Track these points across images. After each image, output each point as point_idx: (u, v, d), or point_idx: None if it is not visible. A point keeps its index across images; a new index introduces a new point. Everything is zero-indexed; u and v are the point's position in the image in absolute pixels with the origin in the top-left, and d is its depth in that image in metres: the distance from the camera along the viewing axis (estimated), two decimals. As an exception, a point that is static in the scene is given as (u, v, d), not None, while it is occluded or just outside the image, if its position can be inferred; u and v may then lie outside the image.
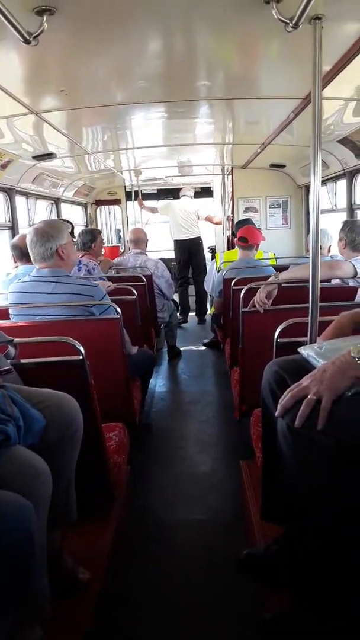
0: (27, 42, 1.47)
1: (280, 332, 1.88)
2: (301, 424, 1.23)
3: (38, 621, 1.30)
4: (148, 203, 7.16)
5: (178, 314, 6.25)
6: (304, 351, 1.48)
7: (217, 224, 6.96)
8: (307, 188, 5.50)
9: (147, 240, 4.87)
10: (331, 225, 4.15)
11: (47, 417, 1.44)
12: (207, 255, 7.04)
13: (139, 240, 4.76)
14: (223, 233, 6.22)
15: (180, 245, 6.68)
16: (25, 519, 1.09)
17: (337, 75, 2.18)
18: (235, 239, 4.09)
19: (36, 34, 1.47)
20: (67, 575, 1.59)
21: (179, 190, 6.91)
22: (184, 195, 6.70)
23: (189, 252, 6.67)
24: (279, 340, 1.87)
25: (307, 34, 1.60)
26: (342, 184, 4.19)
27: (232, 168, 5.83)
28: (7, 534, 1.04)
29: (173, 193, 7.25)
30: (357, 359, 1.25)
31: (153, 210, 6.99)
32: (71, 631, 1.45)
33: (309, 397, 1.24)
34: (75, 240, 4.13)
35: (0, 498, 1.08)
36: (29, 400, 1.44)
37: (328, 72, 2.16)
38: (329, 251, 3.64)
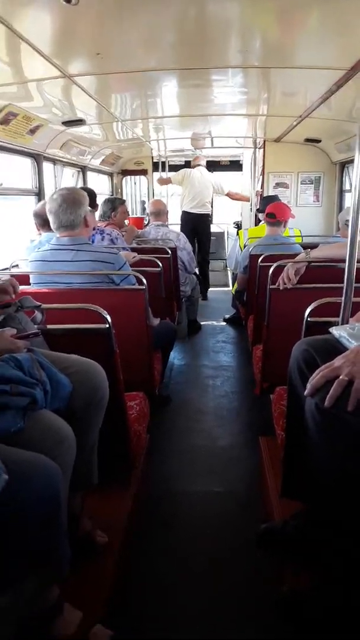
0: (68, 1, 1.43)
1: (310, 311, 1.84)
2: (331, 404, 1.21)
3: (56, 582, 1.33)
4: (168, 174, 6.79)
5: None
6: (336, 331, 1.45)
7: (238, 199, 6.70)
8: (342, 165, 5.32)
9: (167, 211, 4.82)
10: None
11: (73, 383, 1.45)
12: (232, 230, 6.86)
13: (160, 212, 4.71)
14: (251, 209, 6.09)
15: (189, 217, 6.37)
16: (53, 481, 1.10)
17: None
18: (264, 214, 3.99)
19: None
20: (86, 538, 1.63)
21: (209, 162, 6.63)
22: (198, 165, 6.37)
23: (196, 228, 6.39)
24: (308, 319, 1.84)
25: (355, 1, 1.51)
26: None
27: (264, 141, 5.66)
28: (35, 495, 1.06)
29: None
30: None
31: (166, 181, 6.62)
32: (87, 592, 1.48)
33: (340, 377, 1.22)
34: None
35: (30, 460, 1.09)
36: (57, 366, 1.45)
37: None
38: (359, 231, 3.54)
